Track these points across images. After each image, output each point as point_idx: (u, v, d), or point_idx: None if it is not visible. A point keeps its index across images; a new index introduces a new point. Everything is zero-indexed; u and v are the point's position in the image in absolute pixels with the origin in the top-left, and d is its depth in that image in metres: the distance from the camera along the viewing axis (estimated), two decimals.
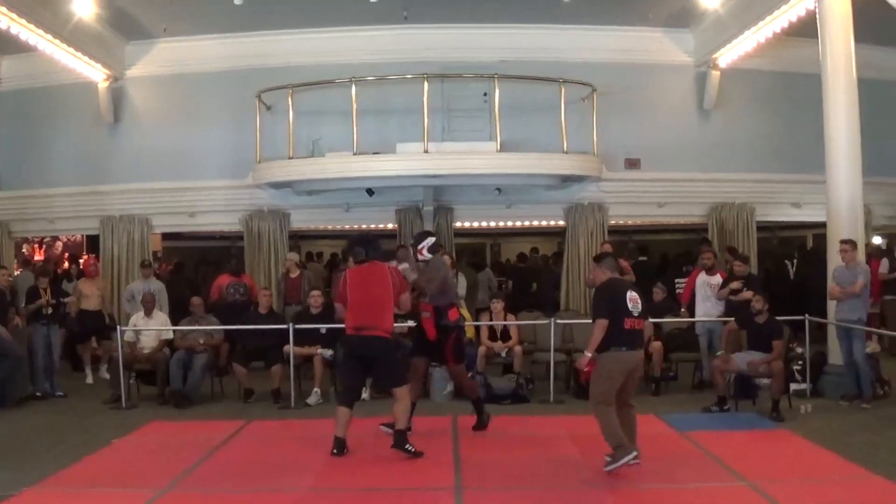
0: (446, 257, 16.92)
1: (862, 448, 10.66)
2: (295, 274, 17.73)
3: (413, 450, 10.51)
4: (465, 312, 15.43)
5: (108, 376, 15.30)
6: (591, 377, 10.07)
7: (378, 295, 10.82)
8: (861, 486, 9.21)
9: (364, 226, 20.92)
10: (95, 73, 19.16)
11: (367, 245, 11.24)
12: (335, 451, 10.58)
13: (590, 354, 10.03)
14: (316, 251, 26.38)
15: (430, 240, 12.08)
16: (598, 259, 10.92)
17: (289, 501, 8.99)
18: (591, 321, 10.23)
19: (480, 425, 11.97)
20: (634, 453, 9.55)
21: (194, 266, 23.15)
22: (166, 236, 21.27)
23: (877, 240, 20.77)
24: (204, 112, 19.72)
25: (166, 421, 12.98)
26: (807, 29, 15.86)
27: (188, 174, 19.55)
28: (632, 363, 10.03)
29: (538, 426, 12.18)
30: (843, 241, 13.95)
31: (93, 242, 21.21)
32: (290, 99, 18.11)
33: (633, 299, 9.98)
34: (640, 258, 20.18)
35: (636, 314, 9.93)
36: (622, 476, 9.49)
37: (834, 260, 14.51)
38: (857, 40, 14.69)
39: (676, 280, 18.03)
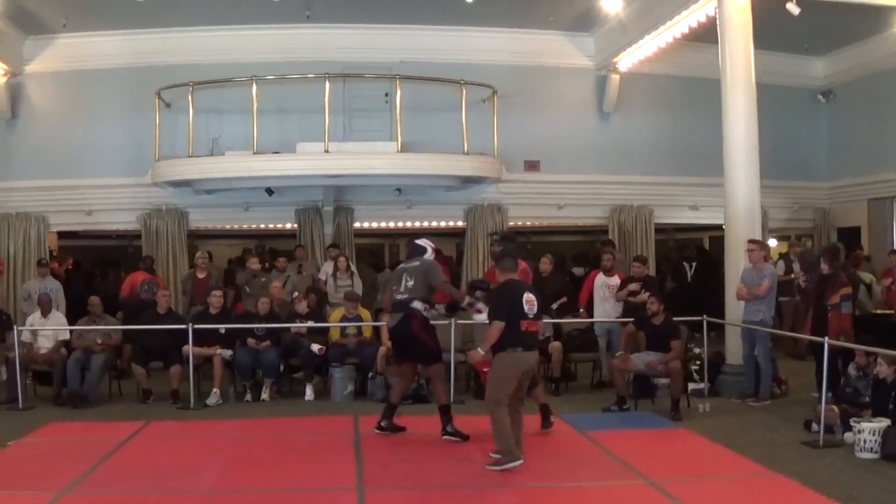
0: (342, 259, 16.93)
1: (759, 445, 10.89)
2: (203, 274, 17.43)
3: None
4: (364, 313, 15.44)
5: (4, 377, 14.98)
6: (488, 378, 10.18)
7: None
8: (759, 482, 9.43)
9: (263, 226, 20.88)
10: None
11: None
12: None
13: (482, 352, 10.21)
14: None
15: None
16: (498, 259, 11.04)
17: (190, 502, 8.93)
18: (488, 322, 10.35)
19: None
20: (520, 461, 9.67)
21: (92, 265, 22.76)
22: (62, 235, 20.88)
23: (772, 242, 21.17)
24: (103, 109, 19.39)
25: (64, 422, 12.76)
26: (707, 34, 16.13)
27: (86, 172, 19.22)
28: (528, 364, 10.19)
29: (440, 426, 12.10)
30: (752, 241, 14.13)
31: None
32: (190, 97, 17.96)
33: (529, 301, 10.10)
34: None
35: (532, 316, 10.08)
36: (524, 475, 9.61)
37: (732, 262, 14.81)
38: (755, 46, 14.99)
39: None
